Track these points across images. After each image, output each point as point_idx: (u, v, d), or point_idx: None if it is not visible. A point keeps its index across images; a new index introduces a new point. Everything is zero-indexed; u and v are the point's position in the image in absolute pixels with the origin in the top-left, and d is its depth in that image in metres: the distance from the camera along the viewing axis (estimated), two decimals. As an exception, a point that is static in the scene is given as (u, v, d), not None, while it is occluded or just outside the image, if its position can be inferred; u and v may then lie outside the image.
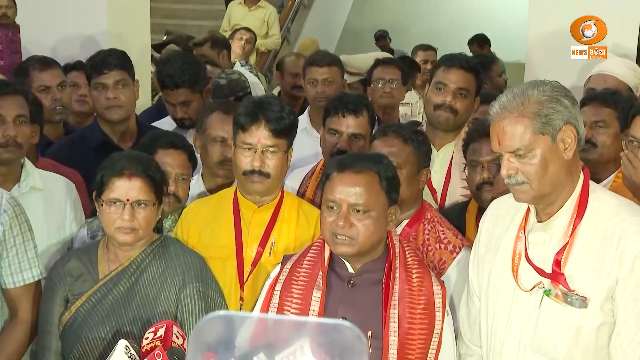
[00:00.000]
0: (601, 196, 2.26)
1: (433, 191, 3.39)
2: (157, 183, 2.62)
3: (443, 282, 2.49)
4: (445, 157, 3.44)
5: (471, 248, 2.66)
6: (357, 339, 1.44)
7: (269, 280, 2.56)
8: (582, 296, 2.17)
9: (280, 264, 2.57)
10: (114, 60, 3.63)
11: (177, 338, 2.32)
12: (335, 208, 2.39)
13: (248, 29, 7.32)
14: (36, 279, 2.70)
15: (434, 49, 6.72)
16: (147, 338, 2.32)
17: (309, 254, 2.52)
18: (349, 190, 2.38)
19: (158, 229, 2.78)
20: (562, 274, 2.20)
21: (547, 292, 2.22)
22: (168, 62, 3.91)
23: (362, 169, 2.39)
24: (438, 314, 2.41)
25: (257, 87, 6.12)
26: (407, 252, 2.48)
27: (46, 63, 3.90)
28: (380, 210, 2.40)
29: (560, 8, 4.55)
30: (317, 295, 2.42)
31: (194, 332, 1.53)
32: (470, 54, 7.23)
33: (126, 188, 2.56)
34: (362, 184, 2.38)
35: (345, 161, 2.44)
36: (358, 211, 2.37)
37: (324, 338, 1.53)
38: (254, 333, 1.62)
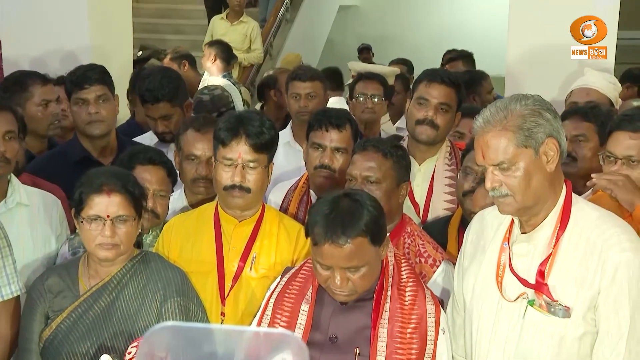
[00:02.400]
0: (583, 208, 2.28)
1: (415, 205, 3.40)
2: (136, 198, 2.61)
3: (440, 300, 2.47)
4: (427, 171, 3.45)
5: (451, 261, 2.67)
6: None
7: (268, 292, 2.56)
8: (565, 306, 2.19)
9: (280, 276, 2.57)
10: (95, 75, 3.62)
11: (160, 352, 2.31)
12: (328, 268, 2.34)
13: (214, 43, 7.01)
14: (15, 294, 2.68)
15: (404, 63, 6.71)
16: (130, 353, 2.31)
17: (303, 268, 2.51)
18: (339, 257, 2.31)
19: (138, 243, 2.77)
20: (546, 285, 2.22)
21: (531, 303, 2.24)
22: (148, 76, 3.91)
23: (350, 237, 2.30)
24: (431, 333, 2.38)
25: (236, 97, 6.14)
26: (402, 269, 2.46)
27: (45, 78, 3.91)
28: (372, 260, 2.36)
29: (539, 21, 4.58)
30: (304, 308, 2.41)
31: (141, 343, 1.53)
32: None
33: (106, 204, 2.55)
34: (351, 250, 2.30)
35: (330, 228, 2.31)
36: (353, 269, 2.33)
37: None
38: (252, 345, 1.62)
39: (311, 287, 2.44)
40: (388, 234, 2.80)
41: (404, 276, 2.45)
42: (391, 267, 2.44)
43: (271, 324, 2.45)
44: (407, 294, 2.41)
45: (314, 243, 2.35)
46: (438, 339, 2.39)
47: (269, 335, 1.68)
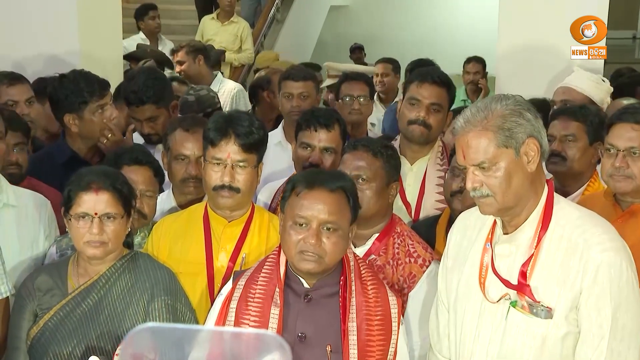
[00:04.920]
0: (565, 208, 2.28)
1: (407, 205, 3.41)
2: (124, 196, 2.62)
3: (397, 292, 2.51)
4: (419, 171, 3.46)
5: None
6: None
7: (221, 297, 2.53)
8: (548, 307, 2.19)
9: (232, 280, 2.55)
10: (106, 82, 3.60)
11: (149, 353, 2.30)
12: (304, 225, 2.38)
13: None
14: (4, 295, 2.68)
15: (392, 62, 6.72)
16: (117, 355, 2.30)
17: (263, 270, 2.49)
18: (321, 207, 2.37)
19: (128, 244, 2.76)
20: (528, 285, 2.21)
21: (513, 304, 2.24)
22: (132, 78, 3.89)
23: (334, 187, 2.39)
24: (394, 324, 2.43)
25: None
26: (360, 265, 2.50)
27: (14, 78, 3.85)
28: (346, 228, 2.41)
29: (529, 22, 4.59)
30: (275, 312, 2.40)
31: (123, 344, 1.52)
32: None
33: (94, 202, 2.56)
34: (334, 202, 2.38)
35: (314, 178, 2.43)
36: (328, 229, 2.37)
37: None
38: (211, 350, 1.61)
39: (277, 289, 2.43)
40: (377, 234, 2.83)
41: (364, 271, 2.48)
42: (352, 263, 2.47)
43: None
44: (369, 287, 2.44)
45: (297, 194, 2.39)
46: (399, 329, 2.43)
47: (253, 337, 1.68)
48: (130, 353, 1.51)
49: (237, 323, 2.43)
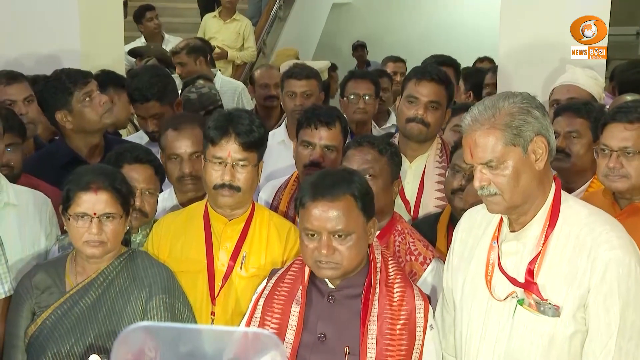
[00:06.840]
0: (573, 206, 2.27)
1: (406, 202, 3.40)
2: (123, 195, 2.62)
3: (427, 296, 2.47)
4: (418, 169, 3.45)
5: (441, 259, 2.66)
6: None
7: (255, 294, 2.55)
8: (555, 305, 2.18)
9: (267, 278, 2.56)
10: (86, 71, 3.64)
11: (150, 351, 2.30)
12: (315, 236, 2.36)
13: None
14: (8, 294, 2.68)
15: (403, 61, 6.74)
16: (115, 353, 2.30)
17: (291, 269, 2.51)
18: (326, 217, 2.34)
19: (126, 241, 2.76)
20: (535, 283, 2.20)
21: (520, 302, 2.23)
22: (136, 76, 3.90)
23: (337, 195, 2.35)
24: (419, 329, 2.39)
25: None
26: (389, 266, 2.46)
27: (12, 77, 3.82)
28: (360, 230, 2.38)
29: (530, 20, 4.58)
30: (295, 309, 2.40)
31: (116, 343, 1.52)
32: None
33: (93, 202, 2.56)
34: (339, 210, 2.34)
35: (318, 188, 2.38)
36: (340, 236, 2.35)
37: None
38: (239, 347, 1.60)
39: (300, 288, 2.44)
40: (378, 232, 2.81)
41: (392, 274, 2.44)
42: (378, 265, 2.44)
43: (261, 325, 2.44)
44: (395, 290, 2.41)
45: (302, 206, 2.37)
46: (426, 335, 2.39)
47: (249, 335, 1.67)
48: (124, 352, 1.50)
49: (262, 320, 2.45)
